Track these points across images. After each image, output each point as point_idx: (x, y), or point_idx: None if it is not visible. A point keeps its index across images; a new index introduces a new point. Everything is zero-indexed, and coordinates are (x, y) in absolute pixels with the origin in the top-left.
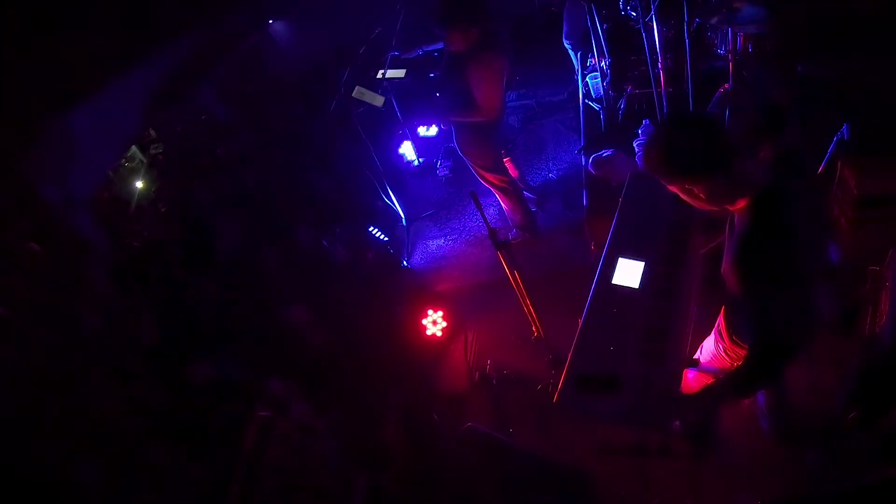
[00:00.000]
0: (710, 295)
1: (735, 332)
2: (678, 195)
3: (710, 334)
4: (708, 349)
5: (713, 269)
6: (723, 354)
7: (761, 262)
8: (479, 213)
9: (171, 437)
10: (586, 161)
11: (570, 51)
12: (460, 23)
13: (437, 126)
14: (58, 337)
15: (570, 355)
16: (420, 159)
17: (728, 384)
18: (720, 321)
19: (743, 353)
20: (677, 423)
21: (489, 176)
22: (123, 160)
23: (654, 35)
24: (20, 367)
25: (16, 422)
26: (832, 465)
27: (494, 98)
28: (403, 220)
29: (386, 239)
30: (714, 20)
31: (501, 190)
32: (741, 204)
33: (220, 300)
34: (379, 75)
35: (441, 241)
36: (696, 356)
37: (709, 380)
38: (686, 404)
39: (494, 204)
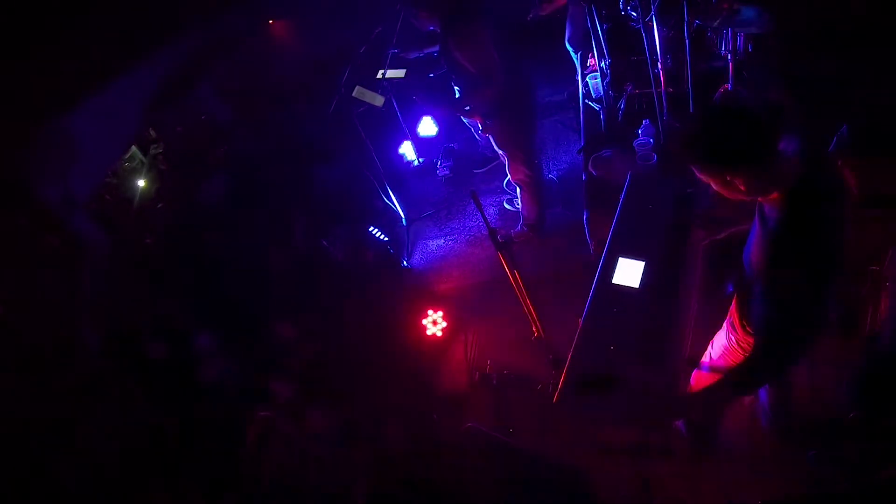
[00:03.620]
0: (713, 291)
1: (749, 322)
2: (710, 185)
3: (720, 329)
4: (719, 343)
5: (719, 263)
6: (735, 346)
7: (795, 254)
8: (479, 213)
9: (173, 438)
10: (586, 161)
11: (572, 54)
12: (421, 4)
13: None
14: (59, 336)
15: (570, 355)
16: (420, 159)
17: (733, 377)
18: (732, 313)
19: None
20: (679, 422)
21: (519, 169)
22: (123, 160)
23: (654, 35)
24: (20, 368)
25: (16, 422)
26: (832, 465)
27: (481, 60)
28: (403, 220)
29: (386, 239)
30: (715, 23)
31: (525, 184)
32: (775, 195)
33: (222, 302)
34: (379, 75)
35: (441, 241)
36: (707, 352)
37: (717, 378)
38: (688, 403)
39: (495, 204)
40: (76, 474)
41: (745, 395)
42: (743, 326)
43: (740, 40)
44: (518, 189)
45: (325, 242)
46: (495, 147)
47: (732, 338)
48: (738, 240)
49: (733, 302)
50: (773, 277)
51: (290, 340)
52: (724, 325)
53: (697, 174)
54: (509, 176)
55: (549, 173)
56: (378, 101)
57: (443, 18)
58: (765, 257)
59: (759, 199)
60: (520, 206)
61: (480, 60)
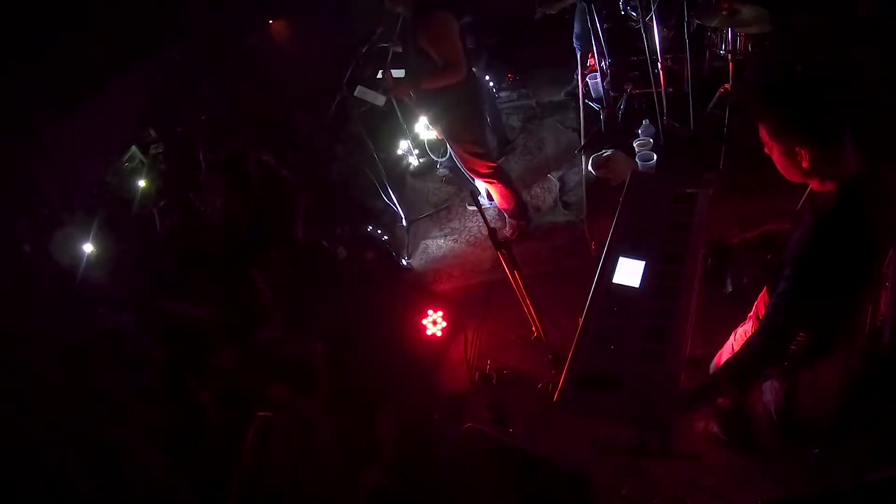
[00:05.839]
0: (711, 293)
1: None
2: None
3: (743, 322)
4: (743, 334)
5: (722, 263)
6: None
7: (839, 248)
8: (479, 213)
9: (172, 437)
10: (586, 161)
11: (577, 51)
12: None
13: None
14: (60, 335)
15: (570, 355)
16: (420, 159)
17: (735, 363)
18: (758, 306)
19: None
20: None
21: (475, 164)
22: (124, 160)
23: (654, 35)
24: (22, 367)
25: (18, 420)
26: (832, 465)
27: (451, 53)
28: (403, 220)
29: (386, 239)
30: (714, 23)
31: (488, 177)
32: (830, 186)
33: (221, 300)
34: (380, 75)
35: (441, 241)
36: (729, 343)
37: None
38: (689, 399)
39: (494, 204)
40: (73, 473)
41: (746, 384)
42: None
43: (740, 40)
44: (486, 184)
45: (324, 242)
46: (449, 148)
47: None
48: (769, 239)
49: (761, 294)
50: (808, 261)
51: (279, 341)
52: (749, 318)
53: (763, 136)
54: (470, 176)
55: (549, 173)
56: (379, 100)
57: (413, 4)
58: (807, 242)
59: (814, 187)
60: (494, 202)
61: (446, 51)
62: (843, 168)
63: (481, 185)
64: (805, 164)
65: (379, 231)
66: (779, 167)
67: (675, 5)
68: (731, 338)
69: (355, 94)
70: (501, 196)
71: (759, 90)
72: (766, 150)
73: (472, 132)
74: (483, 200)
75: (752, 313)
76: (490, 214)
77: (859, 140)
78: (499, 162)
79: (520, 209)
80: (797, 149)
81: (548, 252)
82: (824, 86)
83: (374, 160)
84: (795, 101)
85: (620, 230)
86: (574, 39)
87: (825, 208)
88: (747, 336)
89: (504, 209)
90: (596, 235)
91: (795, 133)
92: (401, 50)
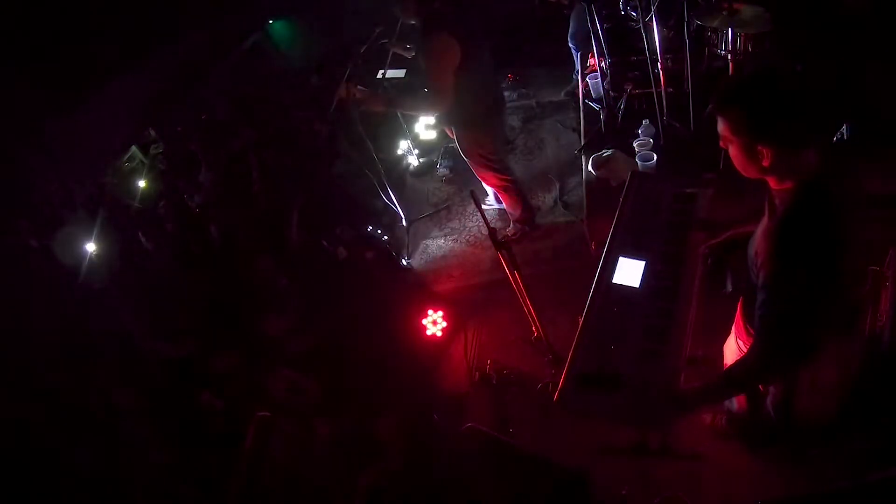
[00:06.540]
0: (713, 291)
1: (752, 324)
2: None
3: (728, 336)
4: (731, 350)
5: (718, 264)
6: (744, 350)
7: (800, 248)
8: (479, 213)
9: (173, 437)
10: (586, 161)
11: (573, 51)
12: None
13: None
14: (61, 336)
15: (570, 354)
16: (420, 159)
17: (733, 375)
18: (738, 319)
19: None
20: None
21: (490, 176)
22: (123, 160)
23: (654, 35)
24: (25, 365)
25: (20, 417)
26: (832, 465)
27: (438, 79)
28: (403, 220)
29: (386, 239)
30: (714, 23)
31: (503, 189)
32: (788, 185)
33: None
34: (379, 75)
35: (441, 241)
36: (724, 363)
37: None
38: (689, 400)
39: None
40: (74, 473)
41: (742, 393)
42: (747, 331)
43: (740, 40)
44: (499, 193)
45: (324, 242)
46: (460, 153)
47: (741, 343)
48: (739, 242)
49: (739, 307)
50: (776, 269)
51: (282, 332)
52: (732, 331)
53: (723, 130)
54: (483, 183)
55: (549, 173)
56: None
57: (422, 17)
58: (770, 249)
59: (771, 185)
60: (503, 205)
61: (434, 76)
62: (804, 166)
63: (489, 187)
64: (766, 163)
65: (379, 231)
66: (735, 163)
67: (675, 5)
68: (724, 357)
69: None
70: (511, 203)
71: (729, 87)
72: (721, 143)
73: (485, 149)
74: (490, 201)
75: (734, 327)
76: (490, 214)
77: (821, 139)
78: (514, 176)
79: (527, 215)
80: (759, 147)
81: (548, 252)
82: (796, 87)
83: (374, 160)
84: (767, 103)
85: (620, 230)
86: (569, 39)
87: (783, 208)
88: (732, 349)
89: (511, 212)
90: (596, 235)
91: (761, 132)
92: (401, 50)
